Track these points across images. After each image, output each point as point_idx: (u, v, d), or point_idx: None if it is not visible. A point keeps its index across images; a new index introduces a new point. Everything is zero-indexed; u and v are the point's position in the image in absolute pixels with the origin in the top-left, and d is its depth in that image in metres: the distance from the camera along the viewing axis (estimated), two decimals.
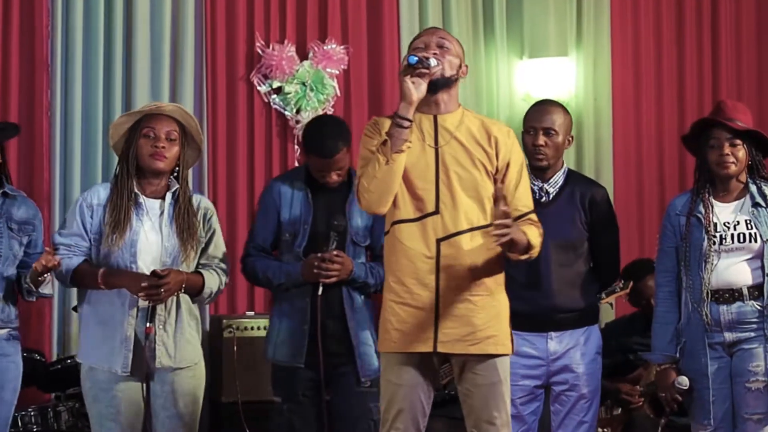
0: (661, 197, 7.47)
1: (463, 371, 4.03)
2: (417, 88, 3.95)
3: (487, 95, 7.33)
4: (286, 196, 4.87)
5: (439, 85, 4.02)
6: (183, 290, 4.51)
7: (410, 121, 3.93)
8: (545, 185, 4.73)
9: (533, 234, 4.03)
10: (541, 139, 4.70)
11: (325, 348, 4.66)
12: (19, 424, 5.63)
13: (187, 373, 4.56)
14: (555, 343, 4.69)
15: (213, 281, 4.60)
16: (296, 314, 4.80)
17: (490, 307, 4.01)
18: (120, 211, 4.46)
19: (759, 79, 7.78)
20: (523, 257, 4.02)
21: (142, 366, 4.43)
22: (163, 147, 4.49)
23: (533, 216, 4.11)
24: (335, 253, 4.69)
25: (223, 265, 4.67)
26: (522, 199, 4.09)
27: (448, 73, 4.05)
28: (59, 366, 5.92)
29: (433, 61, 3.98)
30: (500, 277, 4.08)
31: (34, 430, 5.69)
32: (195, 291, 4.57)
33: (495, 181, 4.05)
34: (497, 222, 3.88)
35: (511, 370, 4.36)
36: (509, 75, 7.42)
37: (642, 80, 7.59)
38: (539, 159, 4.69)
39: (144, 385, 4.44)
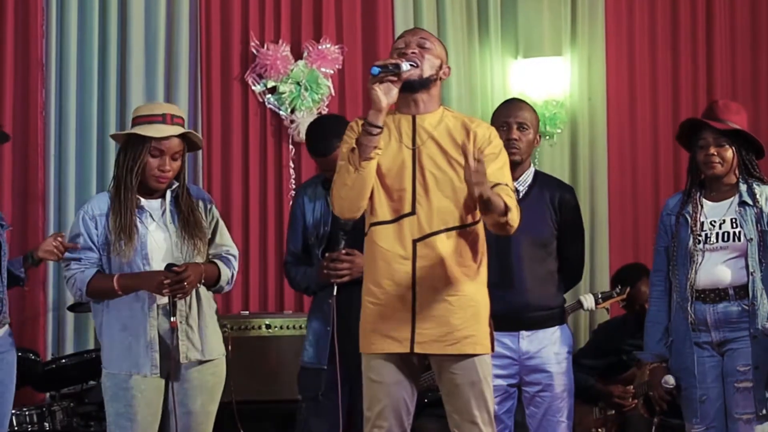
0: (655, 198, 7.48)
1: (442, 371, 4.04)
2: (387, 94, 3.93)
3: (482, 95, 7.33)
4: (309, 202, 4.94)
5: (416, 86, 4.00)
6: (202, 281, 4.54)
7: (379, 128, 3.92)
8: (514, 184, 4.73)
9: (510, 200, 3.98)
10: (515, 133, 4.71)
11: (345, 348, 4.66)
12: (15, 423, 5.63)
13: (210, 369, 4.58)
14: (527, 342, 4.69)
15: (227, 269, 4.64)
16: (320, 316, 4.87)
17: (467, 306, 4.01)
18: (124, 217, 4.47)
19: (753, 79, 7.80)
20: (502, 220, 3.93)
21: (170, 364, 4.45)
22: (169, 168, 4.51)
23: (511, 193, 4.05)
24: (343, 251, 4.71)
25: (232, 252, 4.70)
26: (497, 175, 4.01)
27: (428, 73, 4.03)
28: (54, 366, 5.92)
29: (405, 66, 3.95)
30: (479, 277, 4.07)
31: (29, 429, 5.69)
32: (212, 281, 4.60)
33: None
34: (471, 163, 3.80)
35: None
36: (504, 75, 7.43)
37: (636, 80, 7.60)
38: (513, 153, 4.64)
39: (169, 384, 4.46)
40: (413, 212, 3.98)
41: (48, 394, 5.97)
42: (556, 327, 4.75)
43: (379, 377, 4.03)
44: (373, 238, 4.03)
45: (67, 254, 4.54)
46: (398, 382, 4.03)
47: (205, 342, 4.55)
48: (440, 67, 4.08)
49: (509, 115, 4.74)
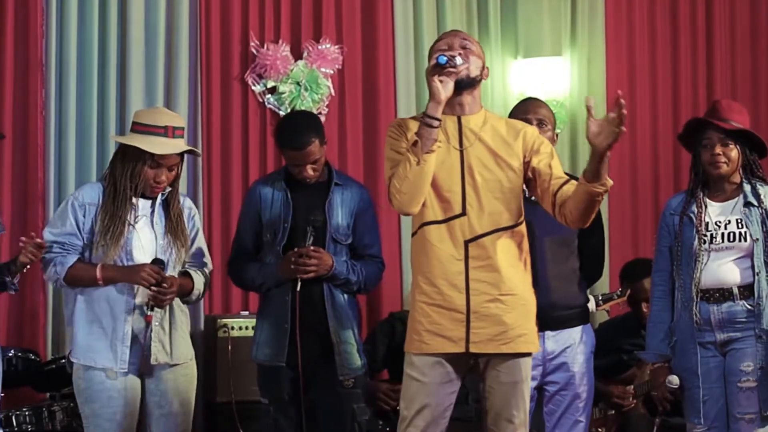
0: (655, 197, 7.49)
1: (487, 368, 4.07)
2: (445, 87, 3.98)
3: (482, 95, 7.28)
4: (267, 198, 4.90)
5: (463, 86, 4.05)
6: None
7: (439, 120, 3.95)
8: None
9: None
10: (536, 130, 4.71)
11: (305, 346, 4.67)
12: (14, 423, 5.63)
13: (182, 371, 4.59)
14: (552, 342, 4.70)
15: (200, 281, 4.65)
16: (277, 313, 4.83)
17: (519, 305, 4.05)
18: (114, 222, 4.49)
19: (753, 79, 7.80)
20: (600, 189, 3.95)
21: (139, 363, 4.45)
22: (165, 179, 4.55)
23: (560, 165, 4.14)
24: (312, 248, 4.70)
25: (207, 263, 4.75)
26: (559, 170, 4.10)
27: (473, 73, 4.09)
28: (53, 366, 5.91)
29: (459, 60, 4.01)
30: (527, 276, 4.12)
31: (29, 429, 5.69)
32: (185, 292, 4.61)
33: (526, 168, 4.09)
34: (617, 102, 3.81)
35: None
36: (504, 75, 7.43)
37: (636, 80, 7.60)
38: None
39: (139, 383, 4.46)
40: (464, 213, 4.02)
41: (48, 394, 5.96)
42: (580, 326, 4.76)
43: (423, 377, 4.04)
44: (426, 237, 4.05)
45: (49, 237, 4.52)
46: (443, 383, 4.05)
47: (175, 346, 4.57)
48: (483, 68, 4.13)
49: (528, 112, 4.75)
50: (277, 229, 4.86)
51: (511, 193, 4.05)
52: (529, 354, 4.10)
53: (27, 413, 5.71)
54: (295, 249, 4.74)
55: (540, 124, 4.72)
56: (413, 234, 4.12)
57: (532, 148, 4.07)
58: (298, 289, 4.70)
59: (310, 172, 4.82)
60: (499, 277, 4.01)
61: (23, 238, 4.46)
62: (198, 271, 4.67)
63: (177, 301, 4.62)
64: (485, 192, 4.03)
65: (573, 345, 4.72)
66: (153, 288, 4.43)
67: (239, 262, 4.97)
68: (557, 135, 4.91)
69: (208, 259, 4.77)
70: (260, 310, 4.98)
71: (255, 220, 4.92)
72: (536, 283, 4.63)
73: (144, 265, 4.45)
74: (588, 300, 4.92)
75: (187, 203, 4.72)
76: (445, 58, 3.97)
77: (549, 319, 4.67)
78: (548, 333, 4.69)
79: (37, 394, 6.05)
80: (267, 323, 4.88)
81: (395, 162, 4.01)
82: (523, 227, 4.12)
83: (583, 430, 4.75)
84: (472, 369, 4.12)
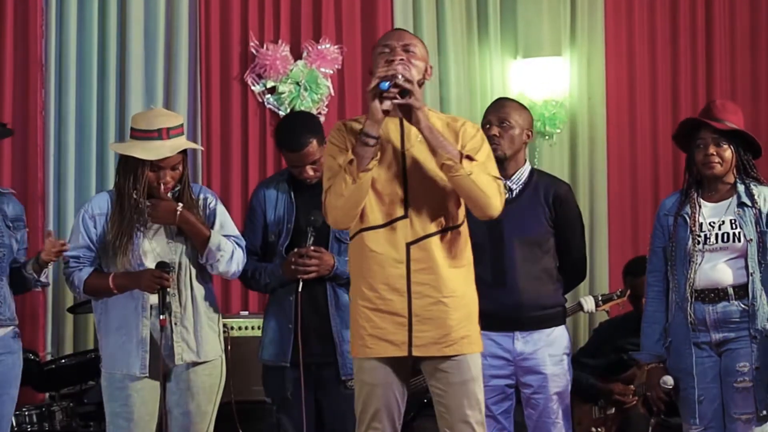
0: (654, 197, 7.48)
1: (435, 372, 4.03)
2: (382, 107, 3.89)
3: (481, 95, 7.33)
4: (271, 199, 4.91)
5: (405, 92, 3.93)
6: (177, 219, 4.53)
7: (376, 138, 3.89)
8: (508, 182, 4.72)
9: (487, 178, 3.94)
10: (495, 130, 4.71)
11: (308, 347, 4.68)
12: (14, 423, 5.62)
13: (205, 370, 4.59)
14: (521, 343, 4.69)
15: (221, 239, 4.59)
16: (282, 313, 4.83)
17: (461, 306, 4.01)
18: (122, 232, 4.51)
19: (753, 79, 7.80)
20: (445, 161, 3.88)
21: (159, 365, 4.46)
22: (169, 180, 4.54)
23: (492, 170, 4.02)
24: (312, 248, 4.70)
25: (235, 238, 4.68)
26: (474, 153, 3.98)
27: (415, 79, 3.96)
28: (53, 366, 5.92)
29: (401, 77, 3.88)
30: (470, 276, 4.08)
31: (29, 429, 5.69)
32: (198, 237, 4.57)
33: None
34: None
35: None
36: (503, 75, 7.43)
37: (636, 80, 7.60)
38: (494, 149, 4.58)
39: (161, 384, 4.47)
40: (406, 215, 3.98)
41: (47, 395, 5.96)
42: (552, 328, 4.74)
43: (373, 380, 4.02)
44: (365, 242, 4.00)
45: (66, 252, 4.55)
46: (391, 384, 4.03)
47: (201, 343, 4.57)
48: (426, 70, 4.06)
49: (490, 113, 4.78)
50: (281, 229, 4.87)
51: (453, 192, 4.00)
52: (476, 353, 4.07)
53: (27, 413, 5.71)
54: (296, 250, 4.74)
55: (500, 123, 4.72)
56: (350, 239, 4.09)
57: (463, 144, 4.00)
58: (300, 289, 4.70)
59: (310, 173, 4.83)
60: (441, 280, 3.97)
61: (50, 234, 4.53)
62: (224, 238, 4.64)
63: (201, 295, 4.61)
64: (427, 193, 3.99)
65: (543, 347, 4.71)
66: (151, 284, 4.43)
67: (247, 263, 4.95)
68: (532, 135, 4.85)
69: (239, 237, 4.70)
70: (266, 311, 4.99)
71: (260, 221, 4.93)
72: (504, 283, 4.66)
73: (147, 271, 4.46)
74: (565, 301, 4.90)
75: (203, 193, 4.71)
76: (387, 84, 3.87)
77: (519, 319, 4.67)
78: (518, 334, 4.69)
79: (36, 395, 6.05)
80: (272, 323, 4.89)
81: (333, 172, 3.97)
82: (465, 227, 4.07)
83: (561, 429, 4.74)
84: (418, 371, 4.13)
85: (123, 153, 4.58)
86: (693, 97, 7.65)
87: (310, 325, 4.71)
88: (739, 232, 4.59)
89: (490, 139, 4.60)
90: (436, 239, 3.98)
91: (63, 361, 6.02)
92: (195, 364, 4.56)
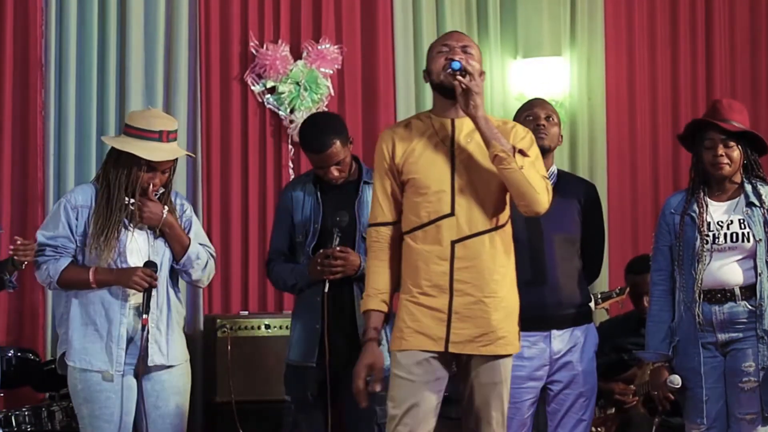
0: (654, 197, 7.49)
1: (467, 369, 4.05)
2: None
3: None
4: (298, 200, 4.91)
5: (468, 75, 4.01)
6: (162, 222, 4.54)
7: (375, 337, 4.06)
8: None
9: (538, 176, 4.01)
10: (542, 121, 4.70)
11: (335, 347, 4.67)
12: (13, 423, 5.63)
13: (178, 371, 4.58)
14: (558, 342, 4.68)
15: (199, 248, 4.64)
16: (309, 314, 4.83)
17: (501, 308, 4.03)
18: (108, 227, 4.48)
19: (753, 79, 7.80)
20: (499, 153, 3.94)
21: (135, 364, 4.45)
22: (158, 182, 4.55)
23: (541, 170, 4.07)
24: (338, 248, 4.70)
25: (209, 249, 4.72)
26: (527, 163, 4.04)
27: (477, 70, 4.03)
28: (53, 365, 5.90)
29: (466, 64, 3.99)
30: (512, 278, 4.11)
31: (28, 429, 5.69)
32: (178, 243, 4.59)
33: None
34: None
35: (515, 373, 4.42)
36: (503, 75, 7.43)
37: (636, 80, 7.60)
38: (541, 138, 4.62)
39: (136, 383, 4.46)
40: (452, 213, 4.01)
41: (47, 394, 5.96)
42: (585, 325, 4.76)
43: (410, 376, 4.01)
44: (410, 243, 4.05)
45: (42, 239, 4.52)
46: (429, 382, 4.02)
47: (170, 348, 4.56)
48: (481, 72, 4.08)
49: (535, 106, 4.76)
50: (308, 230, 4.86)
51: (500, 193, 4.05)
52: (509, 355, 4.08)
53: (26, 413, 5.71)
54: (321, 250, 4.73)
55: (547, 118, 4.72)
56: (403, 237, 4.11)
57: (514, 143, 4.03)
58: (326, 290, 4.69)
59: (335, 174, 4.81)
60: (483, 279, 4.00)
61: (17, 239, 4.45)
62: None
63: (174, 302, 4.60)
64: (474, 193, 4.02)
65: (578, 344, 4.71)
66: (136, 281, 4.43)
67: (274, 264, 4.98)
68: (562, 137, 4.88)
69: (211, 247, 4.74)
70: (294, 311, 5.00)
71: (287, 222, 4.93)
72: (545, 281, 4.65)
73: (136, 268, 4.44)
74: (590, 299, 4.92)
75: (178, 200, 4.71)
76: (459, 64, 3.96)
77: (556, 317, 4.66)
78: (554, 332, 4.68)
79: (36, 394, 6.05)
80: (299, 324, 4.89)
81: (374, 201, 4.13)
82: (509, 227, 4.11)
83: (585, 428, 4.75)
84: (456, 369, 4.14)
85: (123, 149, 4.56)
86: (693, 96, 7.64)
87: (336, 325, 4.70)
88: (748, 232, 4.58)
89: (538, 128, 4.66)
90: (481, 238, 4.01)
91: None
92: (165, 366, 4.55)
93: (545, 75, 7.39)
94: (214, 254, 4.74)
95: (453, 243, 3.99)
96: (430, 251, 4.00)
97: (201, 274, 4.68)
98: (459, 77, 3.95)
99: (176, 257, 4.60)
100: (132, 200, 4.49)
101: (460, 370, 4.08)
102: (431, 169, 4.03)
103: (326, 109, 6.87)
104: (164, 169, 4.55)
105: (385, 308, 4.07)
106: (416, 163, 4.04)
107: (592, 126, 7.52)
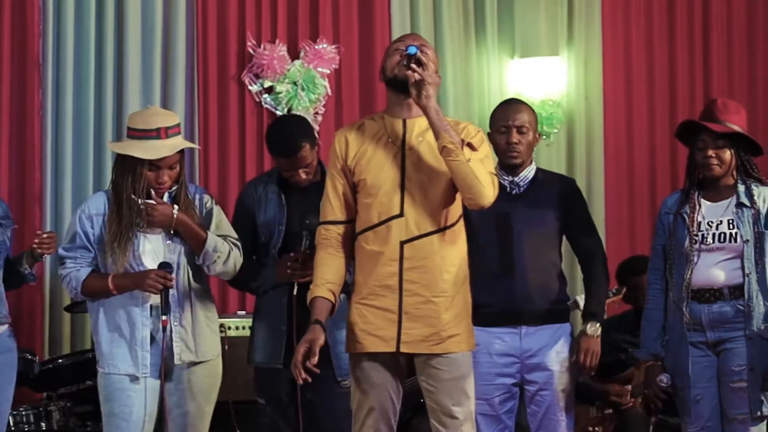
0: (652, 196, 7.49)
1: (425, 367, 4.09)
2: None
3: (479, 95, 7.34)
4: (261, 200, 4.89)
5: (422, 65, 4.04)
6: (174, 225, 4.52)
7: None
8: (515, 179, 4.74)
9: (482, 173, 4.01)
10: (515, 137, 4.70)
11: None
12: (11, 423, 5.62)
13: (204, 371, 4.58)
14: (528, 340, 4.67)
15: (217, 241, 4.57)
16: (274, 315, 4.81)
17: (452, 306, 4.07)
18: (121, 231, 4.48)
19: (750, 78, 7.80)
20: (447, 144, 3.96)
21: (161, 365, 4.46)
22: (167, 179, 4.52)
23: (489, 167, 4.09)
24: (308, 252, 4.70)
25: (232, 239, 4.66)
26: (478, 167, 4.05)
27: (431, 64, 4.07)
28: (51, 366, 5.91)
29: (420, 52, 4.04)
30: (464, 277, 4.14)
31: (26, 429, 5.69)
32: (195, 240, 4.56)
33: None
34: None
35: (485, 369, 4.54)
36: (500, 75, 7.43)
37: (633, 79, 7.61)
38: (513, 156, 4.68)
39: (160, 384, 4.47)
40: (401, 214, 4.04)
41: (45, 394, 5.96)
42: (558, 324, 4.74)
43: (367, 378, 4.09)
44: (362, 245, 4.10)
45: (62, 252, 4.55)
46: (386, 383, 4.10)
47: (199, 343, 4.56)
48: (436, 71, 4.10)
49: (508, 119, 4.73)
50: (272, 231, 4.84)
51: (450, 193, 4.07)
52: (466, 351, 4.12)
53: (24, 413, 5.71)
54: (291, 254, 4.73)
55: (519, 131, 4.70)
56: (354, 238, 4.16)
57: (462, 139, 4.06)
58: (295, 292, 4.70)
59: (303, 176, 4.81)
60: (433, 279, 4.04)
61: (40, 232, 4.61)
62: (221, 239, 4.63)
63: (198, 299, 4.60)
64: (424, 193, 4.05)
65: (550, 343, 4.70)
66: (156, 286, 4.42)
67: None
68: (540, 135, 4.88)
69: (232, 235, 4.68)
70: (256, 312, 4.96)
71: (249, 221, 4.89)
72: (513, 274, 4.64)
73: (150, 271, 4.44)
74: (569, 299, 4.90)
75: (198, 194, 4.70)
76: (415, 49, 4.01)
77: (526, 312, 4.65)
78: (524, 329, 4.66)
79: (34, 394, 6.05)
80: (263, 325, 4.87)
81: (325, 198, 4.18)
82: (459, 226, 4.13)
83: (566, 428, 4.75)
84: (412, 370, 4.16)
85: (121, 152, 4.57)
86: (690, 95, 7.65)
87: (302, 326, 4.70)
88: (736, 233, 4.59)
89: (510, 147, 4.67)
90: (430, 239, 4.05)
91: (60, 360, 6.01)
92: (193, 363, 4.56)
93: (542, 75, 7.40)
94: (238, 244, 4.68)
95: (402, 243, 4.03)
96: (380, 252, 4.05)
97: (223, 267, 4.60)
98: (413, 65, 3.99)
99: (196, 254, 4.59)
100: (142, 200, 4.49)
101: (418, 369, 4.11)
102: (382, 169, 4.07)
103: (323, 110, 6.88)
104: (170, 165, 4.53)
105: (332, 297, 4.11)
106: (368, 164, 4.09)
107: (590, 126, 7.53)
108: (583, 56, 7.52)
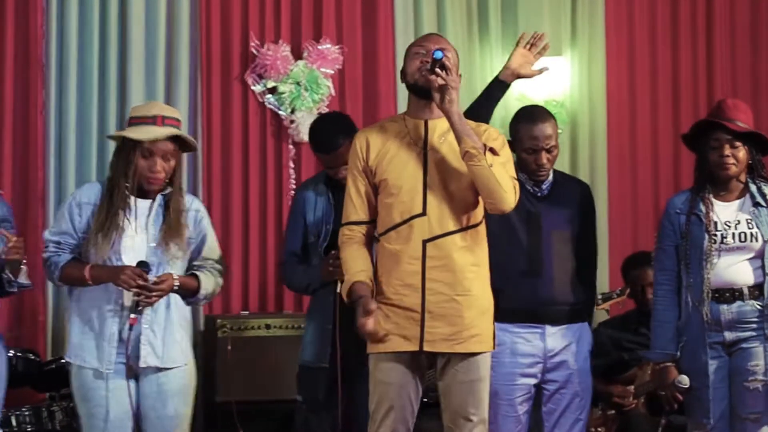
0: (655, 196, 7.48)
1: (445, 367, 4.12)
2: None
3: None
4: (311, 201, 4.94)
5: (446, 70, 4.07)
6: (175, 290, 4.52)
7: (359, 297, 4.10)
8: (539, 181, 4.74)
9: (504, 178, 4.05)
10: (544, 158, 4.70)
11: (347, 347, 4.66)
12: (14, 423, 5.62)
13: (177, 373, 4.55)
14: (552, 339, 4.69)
15: (208, 283, 4.61)
16: (321, 314, 4.85)
17: (474, 306, 4.10)
18: (108, 217, 4.46)
19: (753, 78, 7.78)
20: (469, 149, 4.00)
21: (126, 364, 4.44)
22: (160, 170, 4.48)
23: (510, 172, 4.13)
24: None
25: (218, 266, 4.68)
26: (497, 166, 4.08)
27: (455, 68, 4.12)
28: (53, 366, 5.91)
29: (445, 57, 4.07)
30: (486, 276, 4.17)
31: (29, 429, 5.69)
32: (189, 293, 4.58)
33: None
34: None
35: (508, 370, 4.56)
36: None
37: (636, 79, 7.60)
38: (542, 175, 4.72)
39: (129, 384, 4.44)
40: (424, 213, 4.07)
41: (47, 395, 5.96)
42: (579, 324, 4.76)
43: (387, 378, 4.11)
44: (384, 245, 4.13)
45: (47, 236, 4.54)
46: (406, 384, 4.12)
47: (167, 350, 4.51)
48: (458, 73, 4.15)
49: (536, 139, 4.68)
50: (320, 230, 4.89)
51: (472, 193, 4.10)
52: (487, 352, 4.14)
53: (26, 413, 5.71)
54: (333, 251, 4.74)
55: (548, 151, 4.70)
56: (377, 239, 4.20)
57: (484, 143, 4.08)
58: (338, 290, 4.70)
59: (344, 173, 4.82)
60: (455, 278, 4.07)
61: (8, 238, 4.44)
62: (207, 272, 4.64)
63: (176, 304, 4.57)
64: (446, 193, 4.09)
65: (572, 344, 4.72)
66: (134, 290, 4.39)
67: (288, 265, 4.99)
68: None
69: (221, 261, 4.71)
70: (308, 312, 5.03)
71: (301, 223, 4.95)
72: (540, 275, 4.66)
73: (126, 267, 4.41)
74: (586, 298, 4.90)
75: (195, 205, 4.66)
76: (440, 53, 4.05)
77: (550, 312, 4.67)
78: (549, 329, 4.68)
79: (36, 394, 6.05)
80: (312, 325, 4.92)
81: (350, 190, 4.18)
82: (482, 226, 4.17)
83: (582, 428, 4.76)
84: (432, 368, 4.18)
85: (116, 134, 4.58)
86: (694, 96, 7.63)
87: (347, 325, 4.70)
88: (756, 232, 4.59)
89: (540, 167, 4.68)
90: (452, 238, 4.08)
91: (63, 360, 6.00)
92: (160, 369, 4.53)
93: (546, 75, 7.35)
94: (222, 269, 4.70)
95: (424, 242, 4.06)
96: (403, 251, 4.07)
97: (205, 302, 4.77)
98: (437, 70, 4.02)
99: (183, 298, 4.60)
100: (129, 185, 4.47)
101: (439, 369, 4.13)
102: (404, 169, 4.10)
103: (327, 110, 6.87)
104: (164, 155, 4.49)
105: (369, 283, 4.11)
106: (389, 164, 4.12)
107: (593, 125, 7.51)
108: (586, 56, 7.51)
